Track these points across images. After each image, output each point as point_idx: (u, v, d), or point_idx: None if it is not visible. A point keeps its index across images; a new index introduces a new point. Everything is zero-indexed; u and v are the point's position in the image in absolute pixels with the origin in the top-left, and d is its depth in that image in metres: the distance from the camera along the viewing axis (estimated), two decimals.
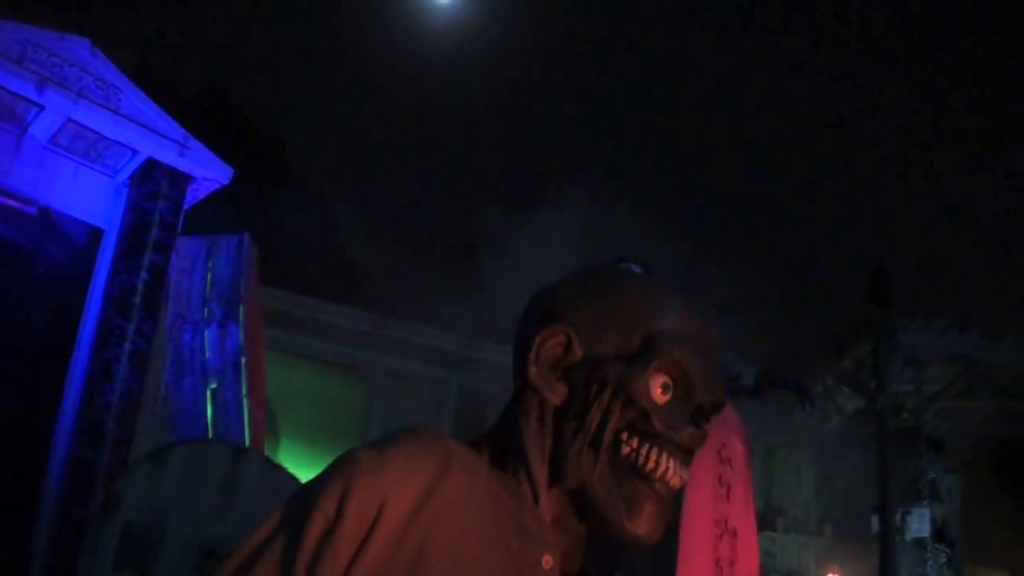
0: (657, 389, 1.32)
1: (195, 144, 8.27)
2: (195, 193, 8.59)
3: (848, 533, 13.48)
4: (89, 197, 8.08)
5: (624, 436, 1.31)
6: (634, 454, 1.30)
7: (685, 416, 1.32)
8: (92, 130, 7.71)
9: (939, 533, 10.45)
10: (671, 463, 1.30)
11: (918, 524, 10.03)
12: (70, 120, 7.63)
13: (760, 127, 19.46)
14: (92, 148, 7.91)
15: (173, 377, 8.34)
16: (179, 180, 8.26)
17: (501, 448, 1.38)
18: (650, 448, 1.30)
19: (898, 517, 9.69)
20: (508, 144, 17.89)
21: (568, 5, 18.61)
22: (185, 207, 8.48)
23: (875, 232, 17.17)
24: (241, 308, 8.42)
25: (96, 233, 8.15)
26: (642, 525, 1.30)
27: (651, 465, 1.29)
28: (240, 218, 9.57)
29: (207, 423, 8.18)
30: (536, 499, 1.32)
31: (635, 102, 19.69)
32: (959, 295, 15.79)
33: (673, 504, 1.34)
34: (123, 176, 8.17)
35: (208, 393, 8.28)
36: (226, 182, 8.63)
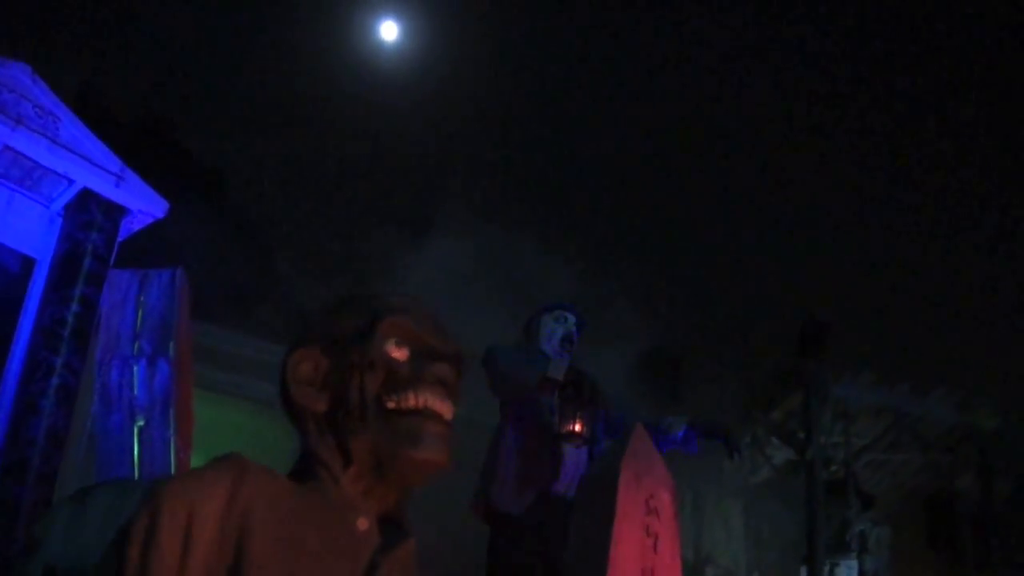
0: (391, 346, 1.51)
1: (131, 176, 8.17)
2: (130, 225, 8.47)
3: None
4: (23, 226, 7.92)
5: (383, 397, 1.47)
6: (396, 404, 1.46)
7: (428, 361, 1.51)
8: (29, 158, 7.59)
9: None
10: (429, 396, 1.48)
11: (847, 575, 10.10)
12: (7, 147, 7.51)
13: (692, 179, 19.70)
14: (28, 176, 7.78)
15: (100, 414, 8.15)
16: (114, 212, 8.14)
17: (306, 469, 1.52)
18: (406, 393, 1.47)
19: (827, 569, 9.76)
20: (455, 179, 17.92)
21: (513, 46, 18.76)
22: (119, 239, 8.36)
23: (806, 285, 17.39)
24: (172, 344, 8.29)
25: (28, 263, 8.00)
26: (427, 449, 1.45)
27: (412, 403, 1.46)
28: (174, 252, 9.47)
29: (133, 462, 8.01)
30: (338, 481, 1.45)
31: (569, 147, 19.85)
32: (888, 349, 16.03)
33: (449, 427, 1.53)
34: (58, 206, 8.04)
35: (135, 431, 8.12)
36: (161, 215, 8.53)
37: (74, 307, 7.77)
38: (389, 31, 17.62)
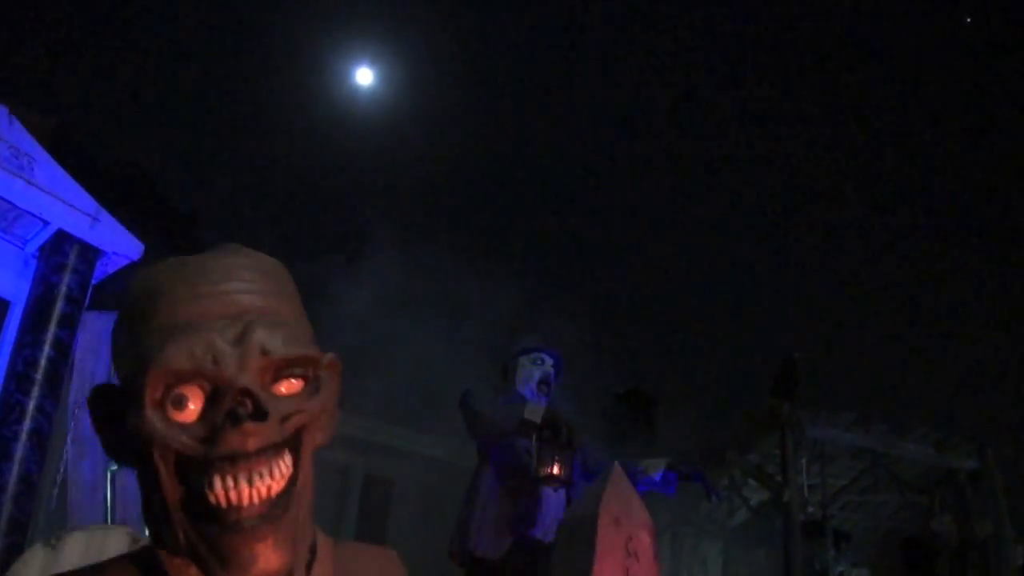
0: (170, 413, 1.07)
1: (107, 218, 8.13)
2: (104, 267, 8.42)
3: None
4: None
5: (181, 476, 1.07)
6: (198, 493, 1.06)
7: (219, 416, 1.06)
8: (3, 199, 7.53)
9: None
10: (229, 481, 1.05)
11: None
12: None
13: (671, 222, 19.82)
14: (2, 217, 7.73)
15: (73, 458, 8.07)
16: (89, 254, 8.09)
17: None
18: (202, 479, 1.05)
19: None
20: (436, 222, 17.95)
21: (485, 88, 18.90)
22: (94, 281, 8.30)
23: (782, 327, 17.48)
24: None
25: (2, 305, 7.93)
26: (244, 570, 1.03)
27: (212, 498, 1.04)
28: None
29: (106, 508, 7.92)
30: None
31: (544, 190, 19.97)
32: (865, 391, 16.10)
33: (266, 523, 1.07)
34: (32, 247, 7.98)
35: (108, 476, 8.04)
36: (136, 258, 8.48)
37: (47, 350, 7.69)
38: (364, 77, 17.80)
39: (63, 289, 7.87)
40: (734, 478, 12.54)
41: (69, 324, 7.92)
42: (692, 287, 19.31)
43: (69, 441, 8.02)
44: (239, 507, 1.04)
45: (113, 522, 7.55)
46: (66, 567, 5.16)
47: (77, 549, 4.99)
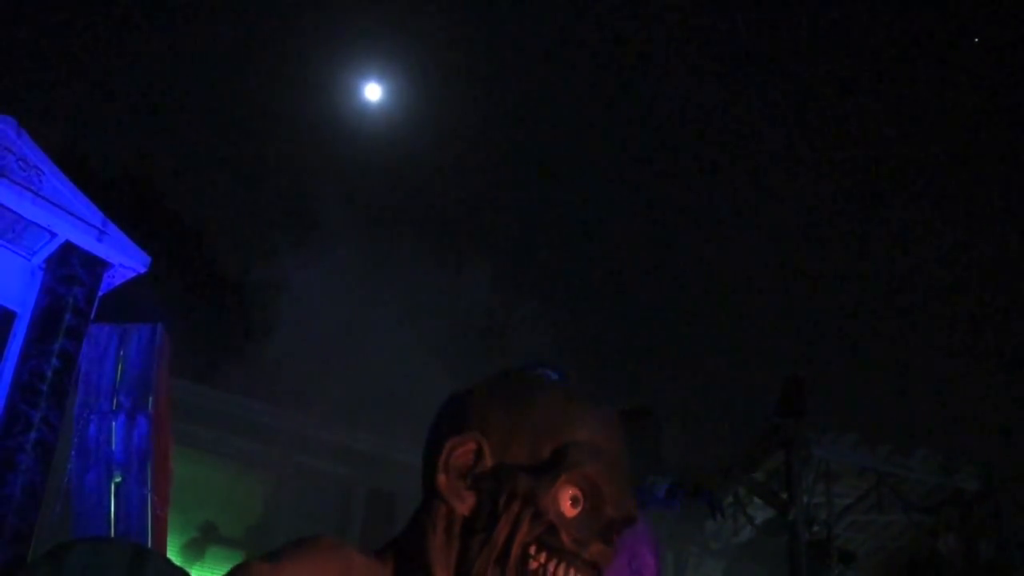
0: (567, 502, 1.29)
1: (113, 230, 8.16)
2: (111, 280, 8.44)
3: None
4: (4, 279, 7.88)
5: (532, 550, 1.27)
6: (541, 569, 1.26)
7: (594, 531, 1.30)
8: (11, 210, 7.57)
9: None
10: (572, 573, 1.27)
11: None
12: None
13: (677, 239, 19.84)
14: (10, 228, 7.76)
15: (77, 470, 8.08)
16: (95, 266, 8.12)
17: (407, 558, 1.34)
18: (557, 564, 1.27)
19: None
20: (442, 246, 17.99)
21: (494, 104, 18.95)
22: (100, 293, 8.32)
23: (788, 346, 17.47)
24: (150, 399, 8.24)
25: (8, 316, 7.94)
26: None
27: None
28: (155, 307, 9.43)
29: (109, 519, 7.92)
30: None
31: (551, 205, 20.01)
32: (871, 410, 16.07)
33: None
34: (39, 259, 8.01)
35: (112, 487, 8.04)
36: (143, 270, 8.51)
37: (54, 361, 7.71)
38: (373, 92, 17.88)
39: (70, 301, 7.90)
40: (739, 496, 12.48)
41: (75, 336, 7.94)
42: (698, 305, 19.33)
43: (74, 453, 8.03)
44: None
45: (116, 533, 7.55)
46: None
47: (81, 562, 4.99)
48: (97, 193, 8.18)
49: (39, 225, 7.80)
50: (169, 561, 5.68)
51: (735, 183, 19.89)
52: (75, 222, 7.89)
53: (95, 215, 8.01)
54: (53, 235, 7.89)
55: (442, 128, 18.11)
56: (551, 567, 1.26)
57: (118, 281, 8.52)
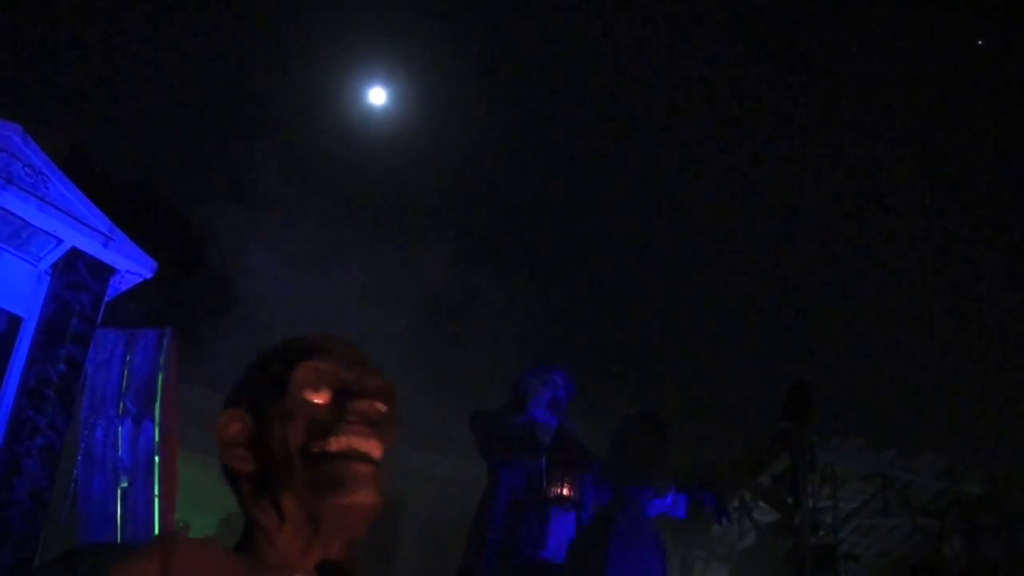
0: (310, 393, 1.41)
1: (120, 236, 8.19)
2: (117, 285, 8.47)
3: None
4: (10, 284, 7.91)
5: (306, 446, 1.38)
6: (319, 450, 1.37)
7: (350, 401, 1.41)
8: (18, 216, 7.59)
9: None
10: (353, 437, 1.38)
11: None
12: None
13: (680, 243, 19.86)
14: (17, 235, 7.78)
15: (84, 475, 8.10)
16: (102, 271, 8.15)
17: (244, 535, 1.45)
18: (327, 437, 1.37)
19: None
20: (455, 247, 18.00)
21: (498, 108, 18.98)
22: (107, 299, 8.35)
23: (794, 350, 17.46)
24: (157, 405, 8.26)
25: (15, 321, 7.96)
26: (352, 493, 1.36)
27: (334, 446, 1.37)
28: (162, 312, 9.45)
29: (116, 525, 7.93)
30: (275, 543, 1.40)
31: (553, 211, 20.03)
32: (876, 414, 16.06)
33: (373, 467, 1.42)
34: (46, 264, 8.03)
35: (119, 492, 8.06)
36: (150, 275, 8.53)
37: (60, 367, 7.74)
38: (378, 96, 17.89)
39: (76, 306, 7.93)
40: (744, 500, 12.49)
41: (82, 341, 7.97)
42: (702, 308, 19.33)
43: (80, 458, 8.04)
44: (356, 450, 1.39)
45: (123, 538, 7.57)
46: None
47: (87, 567, 4.99)
48: (104, 200, 8.19)
49: (45, 231, 7.82)
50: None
51: (736, 183, 19.90)
52: (81, 228, 7.92)
53: (102, 221, 8.04)
54: (59, 241, 7.91)
55: (447, 132, 18.13)
56: (327, 443, 1.38)
57: (125, 286, 8.55)
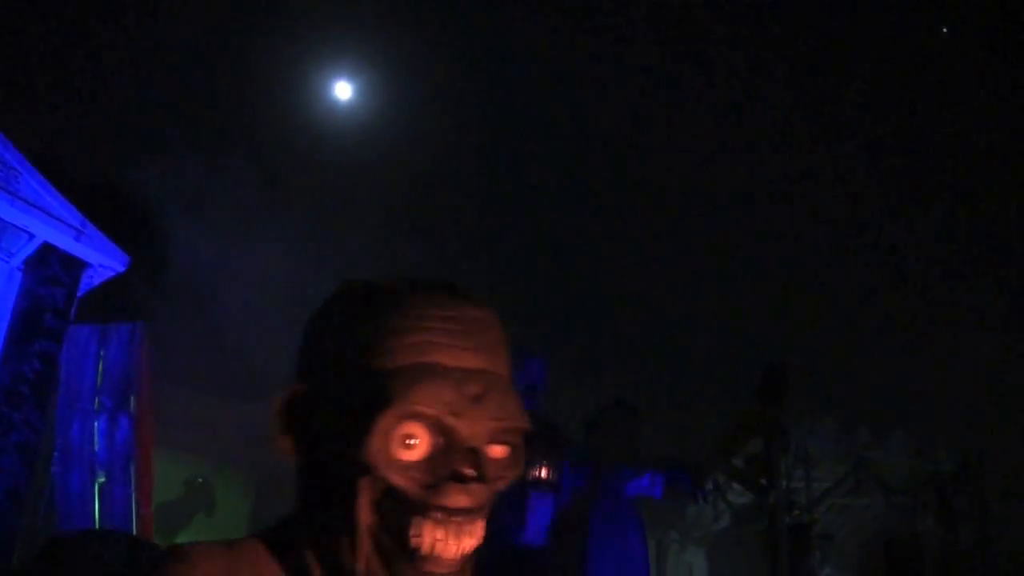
0: (397, 447, 1.07)
1: (92, 230, 8.15)
2: (90, 280, 8.44)
3: None
4: None
5: (381, 512, 1.07)
6: (396, 530, 1.07)
7: (447, 469, 1.07)
8: None
9: None
10: (439, 532, 1.06)
11: None
12: None
13: (651, 225, 19.93)
14: None
15: (61, 471, 8.07)
16: (74, 266, 8.11)
17: (286, 529, 1.19)
18: (408, 521, 1.06)
19: None
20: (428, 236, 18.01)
21: (462, 101, 18.99)
22: (80, 294, 8.31)
23: (764, 331, 17.58)
24: (132, 399, 8.24)
25: None
26: None
27: (414, 542, 1.06)
28: (134, 308, 9.42)
29: (94, 520, 7.91)
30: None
31: (519, 199, 20.06)
32: (847, 394, 16.20)
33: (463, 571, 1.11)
34: (18, 260, 7.99)
35: (96, 487, 8.03)
36: (122, 269, 8.50)
37: (34, 363, 7.70)
38: (343, 91, 17.84)
39: (49, 302, 7.89)
40: (718, 483, 12.59)
41: (55, 337, 7.93)
42: (672, 292, 19.40)
43: (57, 454, 8.02)
44: (439, 558, 1.07)
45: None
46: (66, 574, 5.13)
47: (78, 555, 4.97)
48: (75, 194, 8.15)
49: (16, 226, 7.78)
50: (162, 550, 5.59)
51: (705, 167, 19.98)
52: (53, 223, 7.88)
53: (73, 215, 8.00)
54: (31, 236, 7.87)
55: (415, 127, 18.13)
56: (404, 524, 1.06)
57: (97, 281, 8.51)
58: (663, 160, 19.65)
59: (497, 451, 1.13)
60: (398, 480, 1.05)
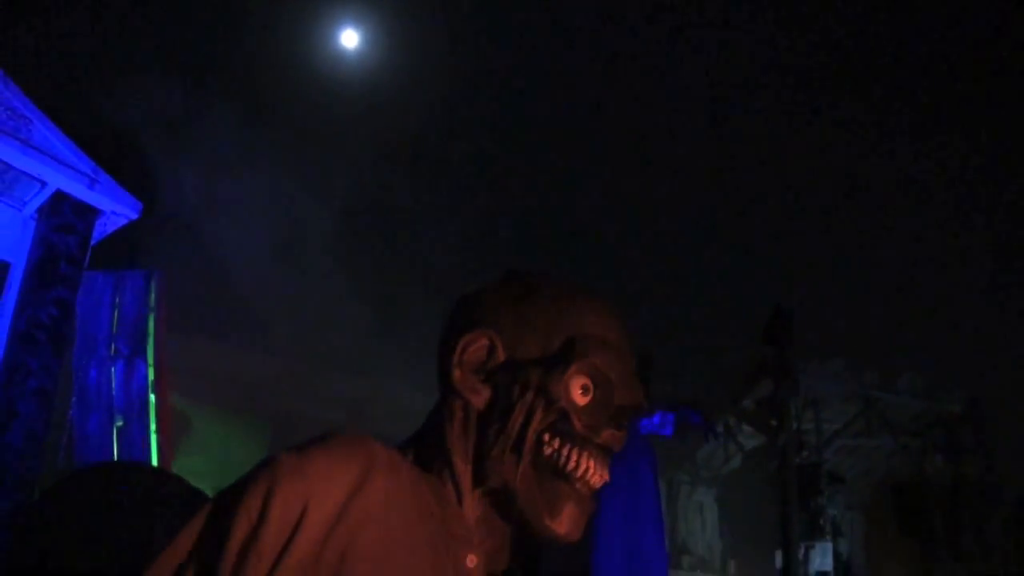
0: (577, 391, 1.34)
1: (105, 178, 8.16)
2: (104, 227, 8.47)
3: (753, 569, 13.68)
4: None
5: (546, 437, 1.32)
6: (556, 454, 1.31)
7: (605, 417, 1.35)
8: (1, 160, 7.57)
9: (845, 570, 10.65)
10: (591, 463, 1.32)
11: (821, 558, 10.21)
12: None
13: (656, 171, 19.86)
14: (0, 179, 7.77)
15: (79, 416, 8.17)
16: (88, 214, 8.14)
17: (427, 451, 1.39)
18: (571, 448, 1.32)
19: (801, 552, 9.86)
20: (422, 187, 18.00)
21: (469, 49, 18.89)
22: (93, 242, 8.35)
23: (773, 275, 17.58)
24: (150, 344, 8.31)
25: (3, 267, 7.95)
26: (563, 524, 1.32)
27: (572, 465, 1.31)
28: (149, 256, 9.46)
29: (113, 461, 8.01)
30: (460, 500, 1.35)
31: (527, 152, 20.00)
32: (856, 336, 16.23)
33: (593, 502, 1.37)
34: (31, 209, 8.02)
35: (114, 431, 8.13)
36: (136, 216, 8.52)
37: (51, 309, 7.75)
38: (350, 39, 17.72)
39: (63, 249, 7.93)
40: (729, 424, 12.69)
41: (70, 284, 7.98)
42: (680, 235, 19.40)
43: (75, 399, 8.11)
44: (588, 482, 1.34)
45: None
46: (83, 508, 5.21)
47: (102, 484, 5.03)
48: (87, 141, 8.16)
49: (29, 175, 7.80)
50: (186, 482, 5.64)
51: (709, 112, 19.90)
52: (66, 170, 7.90)
53: (86, 163, 8.01)
54: (44, 184, 7.90)
55: (420, 76, 18.05)
56: (564, 451, 1.31)
57: (111, 228, 8.55)
58: (675, 104, 19.56)
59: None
60: (573, 415, 1.34)
